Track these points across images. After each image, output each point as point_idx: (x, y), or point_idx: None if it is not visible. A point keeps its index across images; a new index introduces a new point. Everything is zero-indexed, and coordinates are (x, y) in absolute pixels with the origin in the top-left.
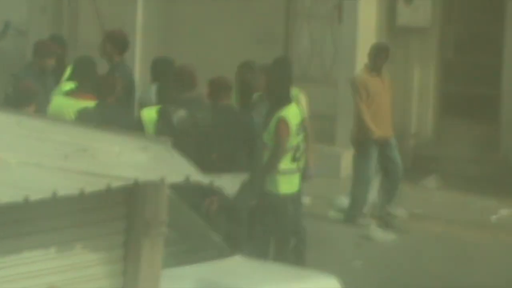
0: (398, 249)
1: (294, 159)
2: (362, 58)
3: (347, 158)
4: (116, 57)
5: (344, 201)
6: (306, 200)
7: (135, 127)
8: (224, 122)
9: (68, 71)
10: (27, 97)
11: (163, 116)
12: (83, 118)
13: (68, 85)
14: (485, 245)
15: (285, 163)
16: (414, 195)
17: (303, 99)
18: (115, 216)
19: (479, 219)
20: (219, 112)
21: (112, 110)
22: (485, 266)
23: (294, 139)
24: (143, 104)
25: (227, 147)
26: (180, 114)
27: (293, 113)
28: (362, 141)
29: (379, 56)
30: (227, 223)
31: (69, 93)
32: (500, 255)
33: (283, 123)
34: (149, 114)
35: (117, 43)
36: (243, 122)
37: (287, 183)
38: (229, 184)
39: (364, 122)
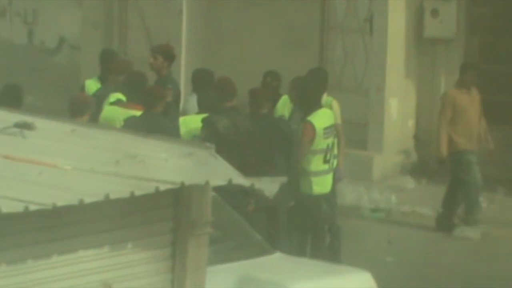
0: (427, 247)
1: (325, 161)
2: (391, 68)
3: (378, 162)
4: (164, 70)
5: (377, 201)
6: (340, 200)
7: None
8: (264, 130)
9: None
10: (81, 108)
11: (208, 124)
12: (130, 126)
13: (115, 97)
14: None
15: (317, 165)
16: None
17: (335, 106)
18: (164, 217)
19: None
20: (259, 120)
21: (159, 119)
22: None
23: (323, 142)
24: (186, 113)
25: (267, 153)
26: (224, 122)
27: (321, 118)
28: (456, 151)
29: (467, 73)
30: (267, 223)
31: (119, 104)
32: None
33: (307, 125)
34: (194, 122)
35: (166, 56)
36: (281, 129)
37: (320, 184)
38: (269, 186)
39: (439, 138)
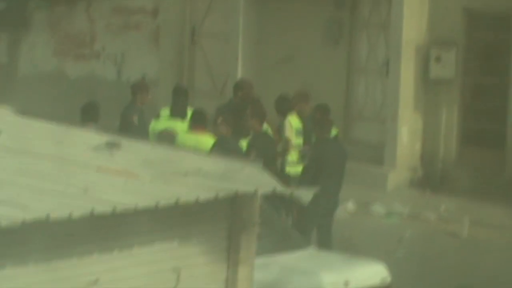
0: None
1: None
2: (403, 102)
3: (391, 176)
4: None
5: (390, 207)
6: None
7: (239, 152)
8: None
9: (189, 114)
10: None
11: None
12: (218, 148)
13: (166, 111)
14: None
15: None
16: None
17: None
18: (221, 217)
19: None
20: (326, 145)
21: (229, 140)
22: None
23: None
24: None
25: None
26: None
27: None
28: None
29: None
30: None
31: (189, 130)
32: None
33: None
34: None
35: (244, 88)
36: (344, 152)
37: None
38: (305, 195)
39: None
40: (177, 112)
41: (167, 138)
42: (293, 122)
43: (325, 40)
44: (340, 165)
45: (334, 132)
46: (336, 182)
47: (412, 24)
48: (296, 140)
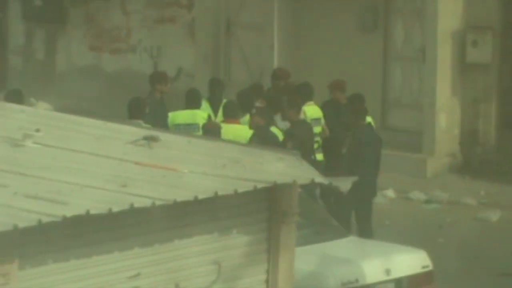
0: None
1: None
2: (440, 88)
3: (430, 163)
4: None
5: (430, 194)
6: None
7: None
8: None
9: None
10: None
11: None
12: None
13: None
14: None
15: None
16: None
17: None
18: (260, 208)
19: None
20: (362, 132)
21: (266, 131)
22: None
23: None
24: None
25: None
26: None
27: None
28: None
29: None
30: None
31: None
32: None
33: None
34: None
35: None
36: (379, 139)
37: None
38: (344, 184)
39: None
40: (214, 104)
41: (212, 130)
42: (308, 111)
43: (361, 27)
44: (377, 152)
45: (368, 120)
46: (373, 169)
47: (448, 9)
48: (314, 129)
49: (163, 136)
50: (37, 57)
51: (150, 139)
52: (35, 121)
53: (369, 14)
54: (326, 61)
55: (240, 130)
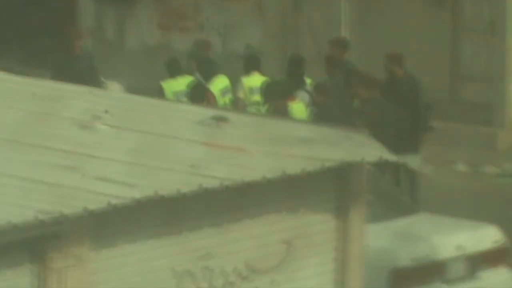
0: None
1: None
2: (510, 61)
3: (501, 136)
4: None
5: (502, 168)
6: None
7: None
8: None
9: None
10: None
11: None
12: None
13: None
14: None
15: None
16: None
17: None
18: (329, 187)
19: None
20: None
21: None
22: None
23: None
24: None
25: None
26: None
27: None
28: None
29: None
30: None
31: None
32: None
33: None
34: None
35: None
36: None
37: None
38: (412, 161)
39: None
40: (294, 82)
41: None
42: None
43: (429, 1)
44: None
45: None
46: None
47: None
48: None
49: (232, 116)
50: (107, 37)
51: (218, 119)
52: (103, 102)
53: None
54: (394, 36)
55: (296, 107)
